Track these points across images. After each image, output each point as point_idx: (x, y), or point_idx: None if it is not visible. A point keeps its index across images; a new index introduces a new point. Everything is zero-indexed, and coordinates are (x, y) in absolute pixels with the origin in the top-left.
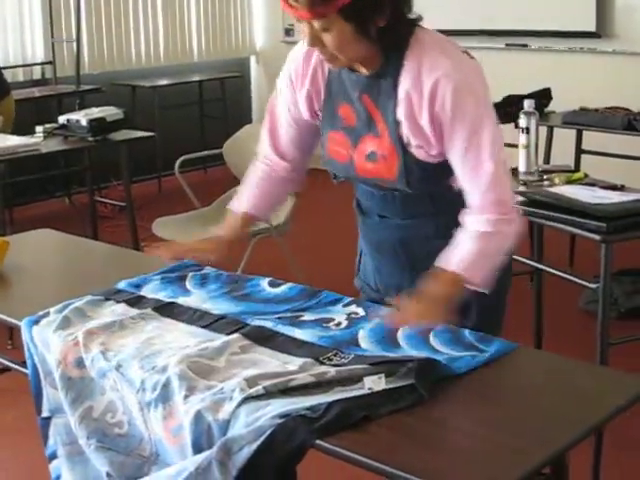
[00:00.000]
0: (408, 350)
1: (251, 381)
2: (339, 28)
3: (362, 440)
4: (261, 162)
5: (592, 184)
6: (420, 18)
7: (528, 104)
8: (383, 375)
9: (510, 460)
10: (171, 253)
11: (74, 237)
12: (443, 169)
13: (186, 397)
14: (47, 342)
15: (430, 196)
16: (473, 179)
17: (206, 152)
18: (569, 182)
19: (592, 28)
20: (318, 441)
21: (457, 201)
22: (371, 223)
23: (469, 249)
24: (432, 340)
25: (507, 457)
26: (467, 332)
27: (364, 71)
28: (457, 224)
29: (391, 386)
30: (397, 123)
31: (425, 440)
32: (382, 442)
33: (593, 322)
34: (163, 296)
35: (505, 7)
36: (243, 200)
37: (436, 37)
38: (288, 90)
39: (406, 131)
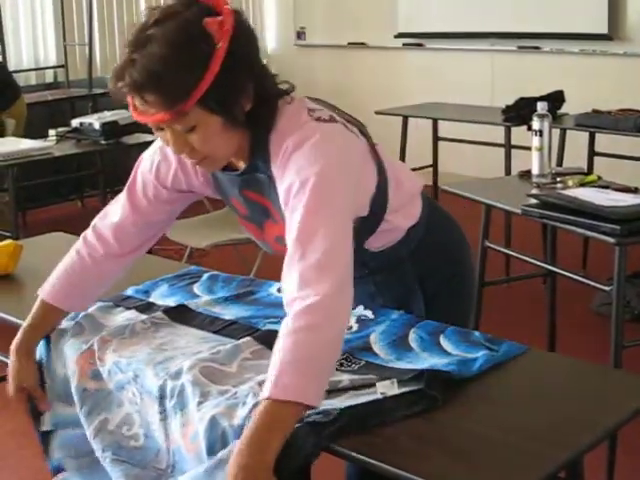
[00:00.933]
0: (420, 352)
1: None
2: (205, 123)
3: (377, 444)
4: (93, 239)
5: (606, 186)
6: (289, 90)
7: (541, 106)
8: (395, 380)
9: (526, 464)
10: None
11: None
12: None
13: (200, 403)
14: (62, 351)
15: (356, 262)
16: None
17: None
18: (583, 184)
19: (604, 30)
20: (333, 445)
21: (387, 259)
22: None
23: (271, 366)
24: (442, 342)
25: (523, 461)
26: (476, 333)
27: (240, 165)
28: (396, 280)
29: (404, 390)
30: (283, 212)
31: (440, 444)
32: (397, 446)
33: (606, 325)
34: (173, 301)
35: (517, 10)
36: (57, 289)
37: (294, 117)
38: (156, 185)
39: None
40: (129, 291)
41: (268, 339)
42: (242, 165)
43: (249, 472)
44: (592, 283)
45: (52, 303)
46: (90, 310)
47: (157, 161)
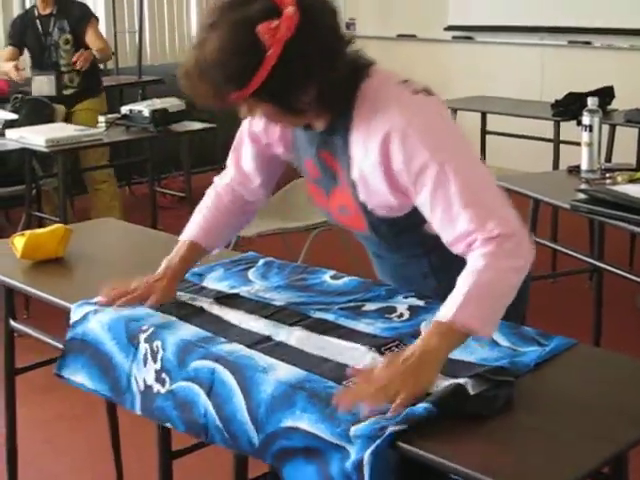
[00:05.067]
0: (469, 341)
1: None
2: (259, 108)
3: (423, 434)
4: (221, 188)
5: None
6: (367, 64)
7: (592, 102)
8: (469, 380)
9: (570, 457)
10: (108, 299)
11: (135, 226)
12: (413, 219)
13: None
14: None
15: (414, 241)
16: (450, 232)
17: None
18: (632, 181)
19: None
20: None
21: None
22: (374, 259)
23: (461, 293)
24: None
25: (567, 454)
26: (527, 328)
27: (319, 126)
28: (451, 258)
29: (475, 391)
30: (353, 183)
31: (490, 437)
32: (443, 437)
33: None
34: (225, 286)
35: (568, 4)
36: (194, 229)
37: (382, 85)
38: (255, 131)
39: (362, 192)
40: None
41: (318, 327)
42: (319, 126)
43: (414, 384)
44: (639, 279)
45: (194, 240)
46: None
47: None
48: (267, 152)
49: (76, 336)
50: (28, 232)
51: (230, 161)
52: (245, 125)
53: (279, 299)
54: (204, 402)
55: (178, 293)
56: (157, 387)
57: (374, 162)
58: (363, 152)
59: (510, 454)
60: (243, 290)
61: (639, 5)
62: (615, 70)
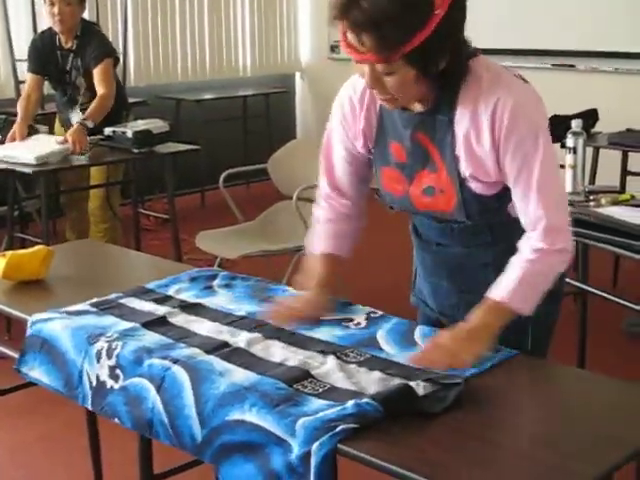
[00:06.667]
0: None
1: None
2: (403, 72)
3: (400, 452)
4: (324, 202)
5: (639, 205)
6: (475, 51)
7: (576, 124)
8: (420, 381)
9: (552, 478)
10: (285, 320)
11: (117, 247)
12: (501, 200)
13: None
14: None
15: (488, 226)
16: (523, 206)
17: (252, 167)
18: (615, 203)
19: (639, 49)
20: (355, 452)
21: (515, 230)
22: (428, 249)
23: (515, 278)
24: None
25: (549, 474)
26: None
27: (418, 108)
28: (514, 252)
29: (427, 391)
30: (456, 159)
31: (465, 454)
32: (422, 455)
33: (636, 344)
34: (190, 296)
35: (552, 27)
36: (321, 241)
37: (489, 66)
38: (342, 129)
39: (464, 165)
40: (151, 285)
41: (276, 335)
42: (417, 107)
43: (475, 350)
44: (624, 302)
45: (329, 252)
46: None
47: (336, 112)
48: (353, 148)
49: (35, 333)
50: (10, 252)
51: (321, 169)
52: (331, 126)
53: (240, 309)
54: (153, 397)
55: (142, 302)
56: (110, 383)
57: (483, 132)
58: (471, 126)
59: (488, 472)
60: (207, 300)
61: (623, 28)
62: (599, 93)
